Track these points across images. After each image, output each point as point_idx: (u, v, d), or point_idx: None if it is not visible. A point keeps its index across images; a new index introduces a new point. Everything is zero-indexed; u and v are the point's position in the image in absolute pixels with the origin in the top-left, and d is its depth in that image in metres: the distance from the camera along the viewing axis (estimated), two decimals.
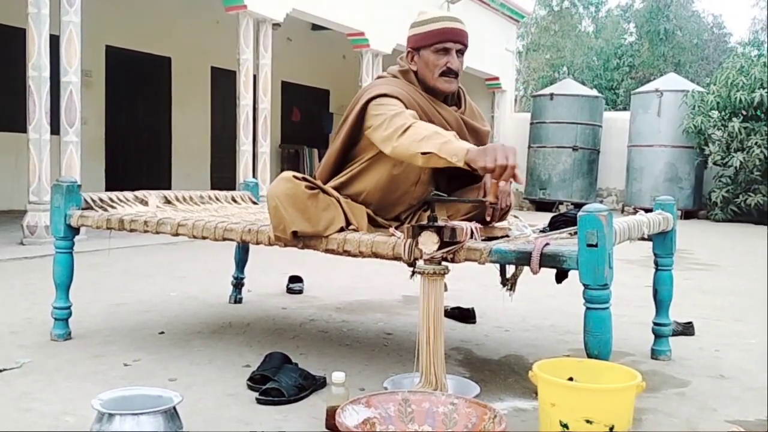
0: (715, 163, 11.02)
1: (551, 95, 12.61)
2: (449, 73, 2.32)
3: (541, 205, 12.39)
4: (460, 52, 2.34)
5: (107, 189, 9.08)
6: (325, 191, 2.26)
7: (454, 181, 2.48)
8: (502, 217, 2.24)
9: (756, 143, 10.29)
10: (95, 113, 9.42)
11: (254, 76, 7.78)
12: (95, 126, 9.43)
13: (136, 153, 10.37)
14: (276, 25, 8.24)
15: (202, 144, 11.20)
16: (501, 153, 1.91)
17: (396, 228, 2.27)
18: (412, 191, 2.42)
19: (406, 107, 2.25)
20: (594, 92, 13.49)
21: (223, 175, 10.75)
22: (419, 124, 2.14)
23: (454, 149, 2.00)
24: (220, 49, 10.12)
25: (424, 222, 2.01)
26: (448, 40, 2.31)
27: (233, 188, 3.74)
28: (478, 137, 2.43)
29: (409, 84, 2.37)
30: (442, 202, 2.11)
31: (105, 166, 9.77)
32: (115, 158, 9.94)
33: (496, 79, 13.68)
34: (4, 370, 2.32)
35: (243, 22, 7.54)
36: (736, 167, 10.57)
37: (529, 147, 12.87)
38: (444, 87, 2.34)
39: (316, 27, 10.94)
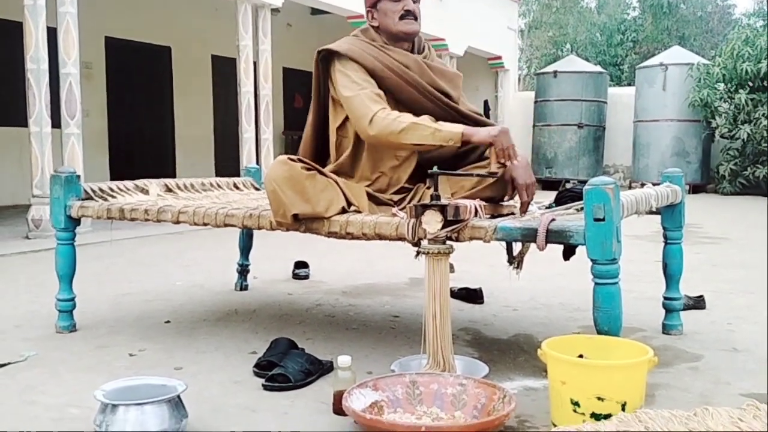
0: (722, 136, 10.92)
1: (555, 73, 12.51)
2: (408, 14, 2.40)
3: (547, 184, 12.30)
4: None
5: (112, 181, 9.06)
6: (322, 172, 2.24)
7: (458, 159, 2.44)
8: (526, 209, 2.21)
9: (763, 114, 10.18)
10: (97, 105, 9.39)
11: (254, 63, 7.72)
12: (98, 118, 9.40)
13: (139, 144, 10.34)
14: (275, 11, 8.17)
15: (205, 132, 11.16)
16: (507, 137, 2.16)
17: (399, 208, 2.23)
18: (402, 154, 2.41)
19: (359, 63, 2.35)
20: (598, 68, 13.38)
21: (227, 163, 10.72)
22: (392, 114, 2.23)
23: (446, 135, 2.16)
24: (219, 36, 10.05)
25: (427, 201, 1.98)
26: None
27: (237, 176, 3.70)
28: (446, 77, 2.47)
29: (366, 41, 2.44)
30: (447, 176, 2.11)
31: (109, 158, 9.75)
32: (119, 149, 9.92)
33: (499, 58, 13.56)
34: (9, 363, 2.30)
35: (241, 8, 7.47)
36: (743, 140, 10.47)
37: (534, 126, 12.78)
38: (407, 29, 2.40)
39: (315, 11, 10.85)
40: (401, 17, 2.39)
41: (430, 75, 2.41)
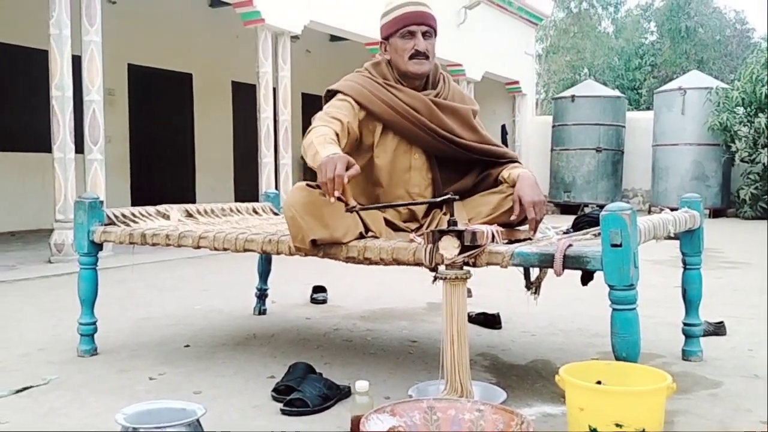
0: (742, 160, 10.85)
1: (572, 97, 12.52)
2: (417, 54, 2.36)
3: (565, 208, 12.27)
4: (427, 34, 2.38)
5: (133, 205, 9.16)
6: (339, 198, 2.26)
7: (476, 186, 2.46)
8: (535, 228, 2.22)
9: None
10: (119, 131, 9.54)
11: (274, 89, 7.83)
12: (120, 144, 9.55)
13: (160, 169, 10.47)
14: (294, 38, 8.29)
15: (225, 158, 11.29)
16: (324, 168, 1.95)
17: (417, 234, 2.25)
18: (407, 178, 2.45)
19: (356, 101, 2.35)
20: (616, 93, 13.37)
21: (246, 188, 10.82)
22: (315, 130, 2.19)
23: (318, 160, 2.04)
24: (239, 63, 10.21)
25: (444, 227, 1.99)
26: (412, 23, 2.36)
27: (256, 201, 3.75)
28: (457, 116, 2.44)
29: (372, 76, 2.43)
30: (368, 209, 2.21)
31: (130, 183, 9.88)
32: (140, 175, 10.05)
33: (516, 83, 13.62)
34: (32, 386, 2.33)
35: (261, 35, 7.59)
36: (764, 163, 10.39)
37: (552, 150, 12.78)
38: (415, 69, 2.38)
39: (334, 38, 11.00)
40: (411, 56, 2.36)
41: (439, 117, 2.38)
